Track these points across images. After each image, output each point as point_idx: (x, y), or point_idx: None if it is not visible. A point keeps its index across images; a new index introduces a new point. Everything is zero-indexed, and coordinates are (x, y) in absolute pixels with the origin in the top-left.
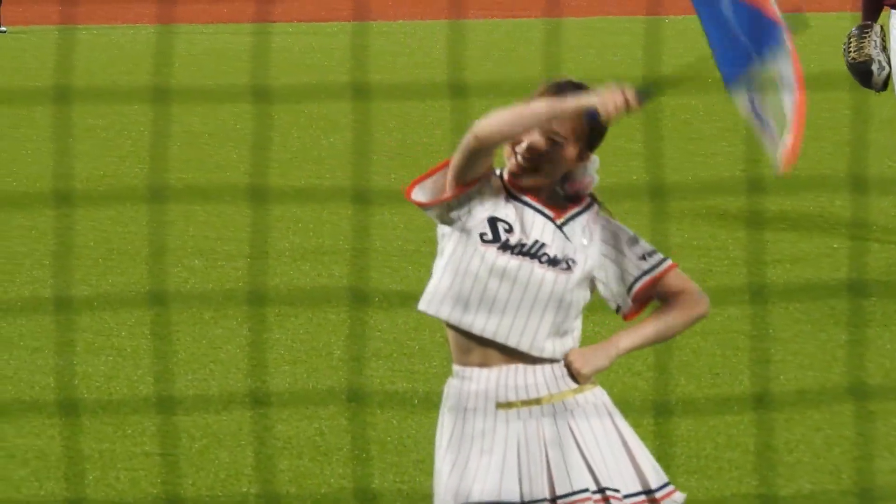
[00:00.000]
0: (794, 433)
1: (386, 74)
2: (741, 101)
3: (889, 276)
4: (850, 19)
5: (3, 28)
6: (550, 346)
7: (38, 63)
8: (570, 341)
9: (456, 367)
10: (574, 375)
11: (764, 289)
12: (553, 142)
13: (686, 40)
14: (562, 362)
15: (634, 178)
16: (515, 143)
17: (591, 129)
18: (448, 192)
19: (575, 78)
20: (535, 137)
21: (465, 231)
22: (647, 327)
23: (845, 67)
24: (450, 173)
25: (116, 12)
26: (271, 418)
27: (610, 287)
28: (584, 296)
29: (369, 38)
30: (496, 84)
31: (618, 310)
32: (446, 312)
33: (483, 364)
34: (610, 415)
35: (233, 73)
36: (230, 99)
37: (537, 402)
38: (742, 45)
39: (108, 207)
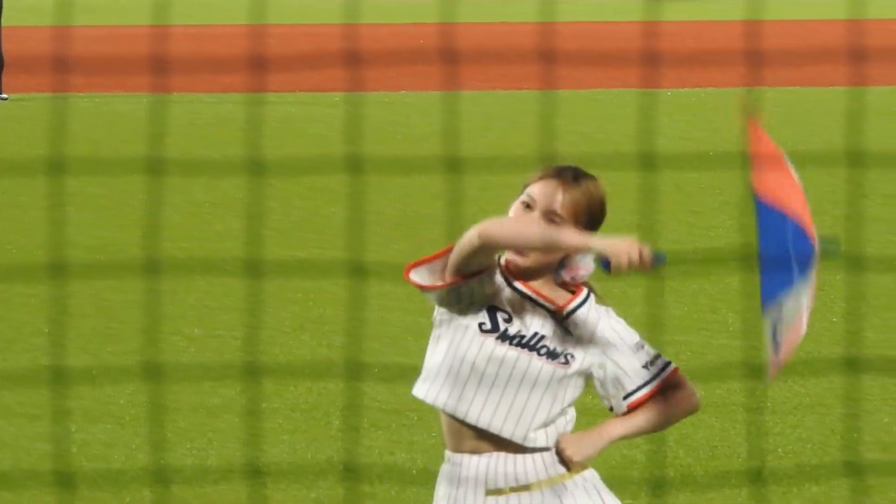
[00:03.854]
0: None
1: (387, 145)
2: (767, 323)
3: (887, 352)
4: (850, 93)
5: (5, 95)
6: (543, 437)
7: (39, 131)
8: (563, 428)
9: (448, 453)
10: (565, 462)
11: (762, 363)
12: (551, 222)
13: (685, 113)
14: (553, 449)
15: None
16: None
17: (592, 212)
18: (447, 279)
19: (573, 163)
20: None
21: (463, 318)
22: (640, 418)
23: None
24: (449, 265)
25: (117, 81)
26: (269, 488)
27: (606, 388)
28: (579, 389)
29: (369, 108)
30: (496, 157)
31: (611, 409)
32: (442, 401)
33: (474, 451)
34: (598, 492)
35: (234, 143)
36: (232, 169)
37: (527, 488)
38: (789, 267)
39: (107, 276)
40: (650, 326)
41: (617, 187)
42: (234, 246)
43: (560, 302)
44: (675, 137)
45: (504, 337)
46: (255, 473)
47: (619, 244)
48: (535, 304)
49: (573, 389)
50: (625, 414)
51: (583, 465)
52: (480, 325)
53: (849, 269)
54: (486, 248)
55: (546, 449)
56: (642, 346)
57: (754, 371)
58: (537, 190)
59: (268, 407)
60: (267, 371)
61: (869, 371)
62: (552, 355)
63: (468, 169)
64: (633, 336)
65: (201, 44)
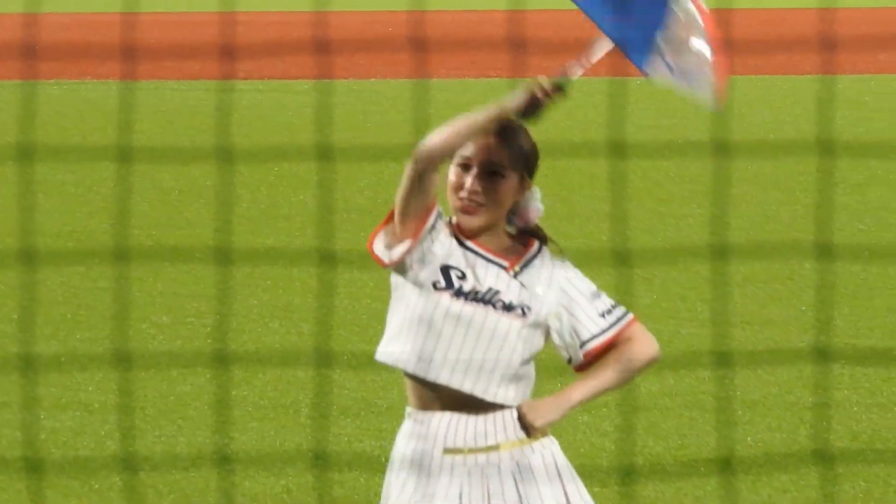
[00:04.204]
0: (761, 495)
1: (356, 133)
2: (658, 69)
3: (856, 341)
4: (820, 82)
5: None
6: (503, 392)
7: (8, 118)
8: (524, 387)
9: (409, 409)
10: (526, 427)
11: (732, 351)
12: (494, 174)
13: (654, 101)
14: (514, 412)
15: (604, 238)
16: (458, 186)
17: (528, 157)
18: (402, 236)
19: (516, 134)
20: (475, 174)
21: (418, 280)
22: (601, 378)
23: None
24: (396, 209)
25: (86, 68)
26: (238, 475)
27: (563, 337)
28: (538, 342)
29: (338, 96)
30: None
31: (569, 361)
32: (403, 361)
33: (436, 409)
34: (560, 477)
35: (203, 131)
36: (200, 156)
37: (485, 450)
38: (639, 20)
39: (76, 264)
40: None
41: (587, 176)
42: (203, 233)
43: (510, 258)
44: (645, 126)
45: (459, 293)
46: (225, 461)
47: (524, 89)
48: (488, 261)
49: (532, 342)
50: (582, 366)
51: (544, 432)
52: (434, 283)
53: (818, 258)
54: (427, 165)
55: (507, 407)
56: (598, 296)
57: (723, 359)
58: (469, 148)
59: (237, 395)
60: (236, 359)
61: (838, 360)
62: (508, 308)
63: None
64: (588, 286)
65: (170, 31)
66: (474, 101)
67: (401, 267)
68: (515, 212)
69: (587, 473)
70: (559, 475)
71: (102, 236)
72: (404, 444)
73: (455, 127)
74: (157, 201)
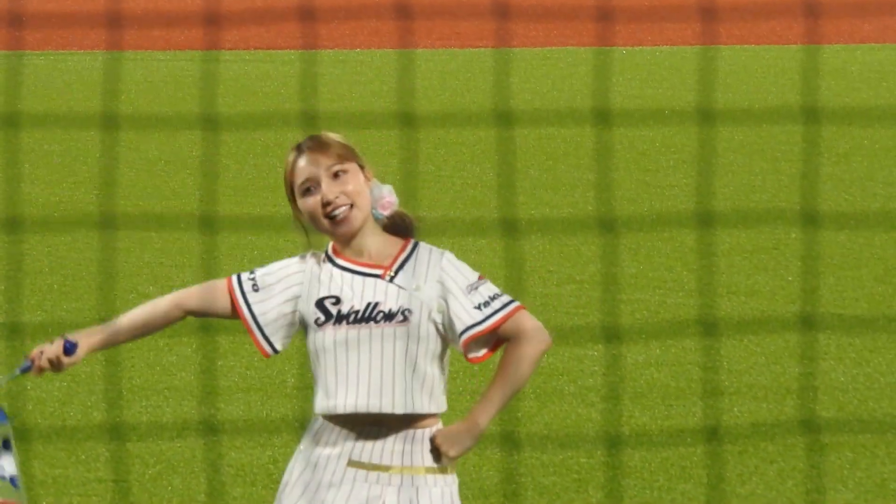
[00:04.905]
0: (748, 465)
1: (341, 103)
2: None
3: (843, 310)
4: (804, 51)
5: None
6: (410, 401)
7: None
8: (437, 391)
9: (319, 412)
10: (439, 457)
11: (718, 321)
12: (335, 175)
13: (640, 72)
14: (422, 432)
15: (590, 209)
16: (321, 205)
17: (349, 150)
18: (253, 335)
19: (324, 135)
20: (322, 185)
21: (303, 327)
22: (496, 391)
23: (796, 103)
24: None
25: (72, 39)
26: (225, 445)
27: (446, 329)
28: (433, 342)
29: (323, 66)
30: (451, 114)
31: (462, 353)
32: (320, 406)
33: (344, 423)
34: None
35: (189, 101)
36: (186, 126)
37: (386, 469)
38: None
39: (62, 233)
40: (605, 285)
41: (572, 145)
42: (188, 203)
43: (385, 263)
44: (630, 96)
45: (339, 319)
46: (211, 431)
47: (34, 352)
48: (362, 275)
49: (426, 343)
50: (474, 358)
51: (451, 466)
52: (316, 320)
53: (804, 228)
54: (173, 320)
55: (422, 426)
56: (476, 287)
57: (709, 329)
58: (302, 172)
59: (223, 365)
60: (222, 329)
61: (824, 329)
62: (389, 317)
63: (423, 126)
64: (466, 276)
65: (155, 1)
66: (457, 72)
67: (293, 329)
68: (376, 205)
69: (573, 444)
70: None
71: (88, 206)
72: (308, 447)
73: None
74: (144, 171)
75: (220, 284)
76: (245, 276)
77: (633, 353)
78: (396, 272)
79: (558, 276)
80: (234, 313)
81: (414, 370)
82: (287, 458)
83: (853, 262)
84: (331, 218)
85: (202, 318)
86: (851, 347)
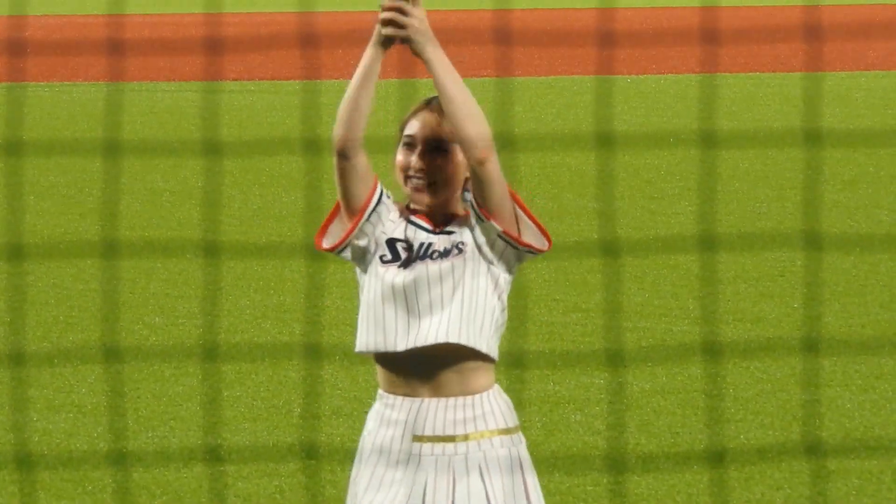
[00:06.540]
0: (754, 492)
1: None
2: None
3: (848, 336)
4: (808, 78)
5: None
6: (466, 334)
7: None
8: (488, 337)
9: (381, 392)
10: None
11: (723, 348)
12: (438, 150)
13: (644, 99)
14: (484, 401)
15: (595, 236)
16: (404, 166)
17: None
18: (349, 226)
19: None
20: (419, 152)
21: (367, 260)
22: (445, 60)
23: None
24: (340, 201)
25: (77, 70)
26: (231, 475)
27: (496, 256)
28: (488, 281)
29: (327, 96)
30: None
31: (506, 249)
32: (372, 344)
33: (407, 394)
34: (522, 470)
35: (194, 131)
36: (191, 156)
37: (451, 439)
38: None
39: (68, 264)
40: (610, 312)
41: (577, 173)
42: (193, 233)
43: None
44: (634, 123)
45: (406, 263)
46: (217, 461)
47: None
48: (419, 228)
49: (482, 278)
50: (512, 232)
51: (516, 426)
52: (381, 257)
53: (809, 254)
54: (345, 148)
55: (476, 394)
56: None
57: (715, 356)
58: (413, 126)
59: (229, 395)
60: (228, 358)
61: (829, 356)
62: (444, 254)
63: None
64: None
65: (158, 32)
66: None
67: (358, 254)
68: (467, 188)
69: (579, 471)
70: (521, 468)
71: (92, 236)
72: (374, 425)
73: (347, 92)
74: (148, 202)
75: (372, 179)
76: (385, 192)
77: (638, 381)
78: (445, 227)
79: (564, 304)
80: (357, 203)
81: (474, 307)
82: (293, 487)
83: (858, 287)
84: (407, 179)
85: (213, 344)
86: (857, 373)
